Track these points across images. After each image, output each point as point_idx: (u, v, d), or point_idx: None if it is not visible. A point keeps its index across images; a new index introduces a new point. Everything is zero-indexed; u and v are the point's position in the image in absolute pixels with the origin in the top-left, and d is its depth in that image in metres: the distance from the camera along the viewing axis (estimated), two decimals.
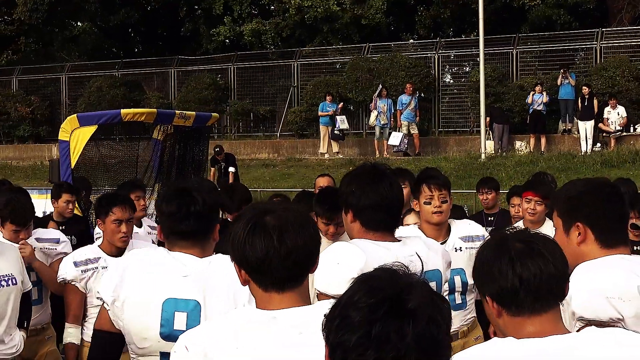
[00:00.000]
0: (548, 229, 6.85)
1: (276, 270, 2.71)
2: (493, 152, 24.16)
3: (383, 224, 4.10)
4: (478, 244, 5.84)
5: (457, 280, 5.61)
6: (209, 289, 3.48)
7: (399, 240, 4.17)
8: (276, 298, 2.74)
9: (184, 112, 12.11)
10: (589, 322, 3.21)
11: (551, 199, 3.87)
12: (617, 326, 3.18)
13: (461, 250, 5.66)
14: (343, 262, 3.92)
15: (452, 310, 5.48)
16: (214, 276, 3.50)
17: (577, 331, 3.20)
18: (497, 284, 2.66)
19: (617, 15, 28.56)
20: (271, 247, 2.69)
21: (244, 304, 3.30)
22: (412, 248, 4.16)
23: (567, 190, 3.64)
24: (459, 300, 5.68)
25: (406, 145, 25.08)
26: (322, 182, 8.58)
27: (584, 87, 23.90)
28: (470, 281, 5.65)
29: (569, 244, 3.44)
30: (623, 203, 3.58)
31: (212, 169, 20.78)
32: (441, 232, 5.68)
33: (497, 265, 2.67)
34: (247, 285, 2.82)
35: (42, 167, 27.08)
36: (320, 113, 26.29)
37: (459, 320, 5.65)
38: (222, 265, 3.48)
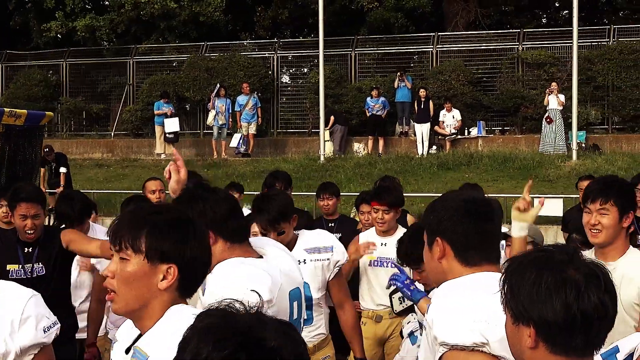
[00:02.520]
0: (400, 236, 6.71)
1: None
2: (332, 154, 24.15)
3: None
4: (326, 255, 5.57)
5: None
6: None
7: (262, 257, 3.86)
8: None
9: (15, 110, 11.37)
10: (452, 347, 3.03)
11: (422, 215, 3.65)
12: (481, 351, 3.00)
13: (305, 263, 5.37)
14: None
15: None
16: None
17: (439, 358, 3.07)
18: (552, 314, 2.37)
19: (452, 20, 29.11)
20: None
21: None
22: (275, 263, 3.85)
23: (432, 204, 3.48)
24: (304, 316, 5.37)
25: (244, 147, 24.79)
26: (152, 186, 8.28)
27: (420, 90, 24.21)
28: (316, 295, 5.37)
29: (431, 258, 3.31)
30: (487, 220, 3.36)
31: (42, 169, 19.82)
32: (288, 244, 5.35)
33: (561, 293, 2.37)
34: None
35: None
36: (156, 112, 25.67)
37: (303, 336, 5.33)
38: None
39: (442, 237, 3.27)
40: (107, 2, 30.80)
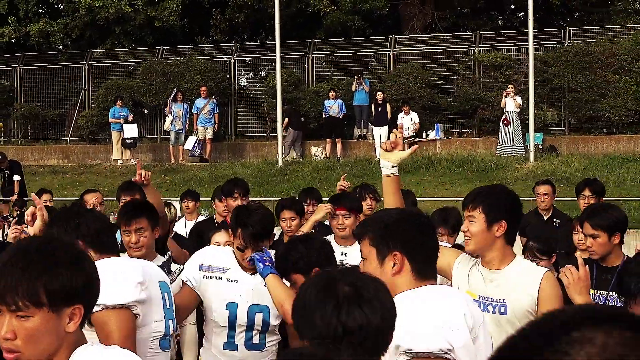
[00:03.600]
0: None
1: None
2: (295, 157, 24.09)
3: None
4: None
5: (259, 317, 5.13)
6: None
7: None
8: None
9: None
10: (416, 355, 3.07)
11: (360, 225, 3.62)
12: (445, 358, 3.06)
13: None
14: None
15: (245, 350, 5.05)
16: None
17: None
18: (317, 330, 2.44)
19: (409, 23, 29.17)
20: None
21: None
22: None
23: (381, 217, 3.45)
24: (256, 340, 5.18)
25: (199, 150, 24.62)
26: (91, 198, 8.17)
27: (378, 93, 24.21)
28: (274, 322, 5.20)
29: (382, 274, 3.23)
30: (435, 234, 3.50)
31: None
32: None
33: (320, 310, 2.46)
34: None
35: None
36: (110, 119, 25.42)
37: None
38: None
39: (402, 252, 3.27)
40: (61, 7, 30.45)
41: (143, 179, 6.11)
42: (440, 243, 6.43)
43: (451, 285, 4.36)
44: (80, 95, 29.35)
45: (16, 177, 19.70)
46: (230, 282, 5.08)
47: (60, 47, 30.64)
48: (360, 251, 3.42)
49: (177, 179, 22.49)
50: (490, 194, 4.39)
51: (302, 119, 24.76)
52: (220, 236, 6.48)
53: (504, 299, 4.22)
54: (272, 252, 4.88)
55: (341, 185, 7.56)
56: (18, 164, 20.60)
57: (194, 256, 5.29)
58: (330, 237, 6.74)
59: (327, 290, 2.50)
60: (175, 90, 25.25)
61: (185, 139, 24.84)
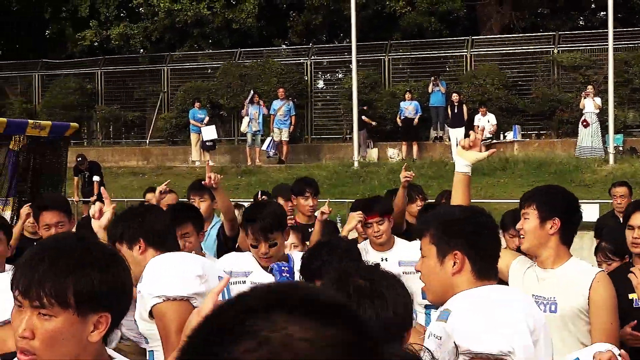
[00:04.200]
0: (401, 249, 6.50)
1: None
2: (374, 159, 24.11)
3: None
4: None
5: None
6: None
7: None
8: None
9: (39, 121, 11.38)
10: (475, 356, 3.02)
11: (421, 221, 3.59)
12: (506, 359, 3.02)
13: None
14: None
15: None
16: None
17: None
18: None
19: (486, 24, 28.92)
20: None
21: None
22: None
23: (442, 216, 3.41)
24: None
25: (274, 151, 24.74)
26: (152, 196, 7.97)
27: (454, 95, 24.04)
28: None
29: (441, 272, 3.23)
30: (498, 234, 3.47)
31: (76, 178, 19.99)
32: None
33: None
34: None
35: None
36: (191, 122, 25.71)
37: None
38: None
39: (463, 251, 3.23)
40: (141, 10, 30.95)
41: (213, 182, 6.15)
42: (511, 244, 6.37)
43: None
44: (160, 97, 29.76)
45: (96, 178, 20.04)
46: (255, 285, 5.03)
47: (140, 50, 31.11)
48: (420, 248, 3.37)
49: (253, 181, 22.60)
50: (546, 192, 4.44)
51: (364, 117, 24.42)
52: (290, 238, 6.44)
53: (554, 297, 4.22)
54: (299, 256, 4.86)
55: (406, 176, 7.28)
56: (98, 165, 20.95)
57: (216, 264, 5.25)
58: (366, 243, 6.60)
59: (340, 282, 2.50)
60: (252, 92, 25.42)
61: (262, 140, 25.00)
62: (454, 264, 3.22)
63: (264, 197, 8.32)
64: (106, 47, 31.31)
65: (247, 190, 21.37)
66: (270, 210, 5.06)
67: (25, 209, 7.53)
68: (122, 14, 31.76)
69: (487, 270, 3.28)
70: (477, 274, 3.24)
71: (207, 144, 25.12)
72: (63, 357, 2.31)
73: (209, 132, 25.10)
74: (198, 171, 24.23)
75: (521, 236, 4.38)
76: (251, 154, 25.06)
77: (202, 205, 7.06)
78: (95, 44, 31.68)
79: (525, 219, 4.32)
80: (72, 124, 12.18)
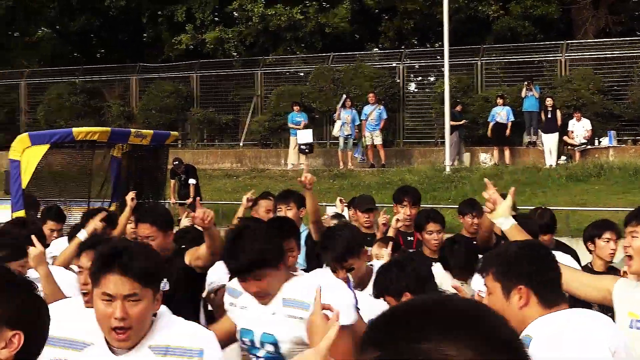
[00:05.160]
0: None
1: None
2: (466, 164, 24.06)
3: None
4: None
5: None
6: None
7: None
8: None
9: (140, 130, 11.75)
10: None
11: (483, 260, 3.69)
12: None
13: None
14: None
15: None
16: None
17: None
18: None
19: (581, 28, 28.52)
20: None
21: None
22: None
23: (502, 253, 3.56)
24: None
25: (362, 157, 24.87)
26: (267, 205, 7.86)
27: (547, 99, 23.80)
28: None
29: (509, 307, 3.35)
30: (557, 263, 3.54)
31: (172, 181, 20.44)
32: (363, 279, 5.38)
33: None
34: None
35: None
36: (290, 125, 25.98)
37: None
38: None
39: (526, 285, 3.36)
40: (235, 15, 31.41)
41: (307, 181, 6.33)
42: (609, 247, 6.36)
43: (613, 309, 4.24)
44: (253, 100, 30.13)
45: (192, 181, 20.44)
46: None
47: (234, 53, 31.56)
48: (486, 285, 3.51)
49: (345, 184, 22.73)
50: None
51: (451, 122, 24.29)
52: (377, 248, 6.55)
53: None
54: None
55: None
56: (193, 168, 21.36)
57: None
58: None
59: None
60: (344, 96, 25.58)
61: (354, 144, 25.15)
62: (520, 298, 3.35)
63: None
64: (201, 51, 31.84)
65: (338, 193, 21.50)
66: (341, 238, 5.03)
67: (131, 195, 7.89)
68: (217, 19, 32.26)
69: (554, 298, 3.39)
70: (544, 304, 3.36)
71: (302, 147, 25.32)
72: None
73: (305, 136, 25.31)
74: (291, 174, 24.49)
75: (626, 254, 4.18)
76: (343, 158, 25.22)
77: (289, 214, 7.11)
78: (191, 47, 32.23)
79: (633, 237, 4.11)
80: (172, 132, 12.55)
